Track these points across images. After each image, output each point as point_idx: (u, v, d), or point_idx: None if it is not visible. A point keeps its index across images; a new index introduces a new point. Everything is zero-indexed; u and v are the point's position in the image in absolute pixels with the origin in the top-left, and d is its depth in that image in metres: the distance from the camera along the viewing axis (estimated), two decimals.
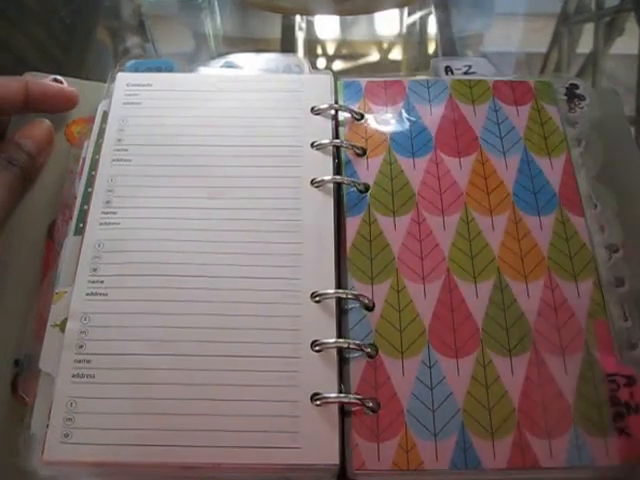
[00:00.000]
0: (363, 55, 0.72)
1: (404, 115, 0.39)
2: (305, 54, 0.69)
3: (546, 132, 0.39)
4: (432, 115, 0.39)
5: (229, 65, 0.43)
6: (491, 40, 0.69)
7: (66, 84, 0.41)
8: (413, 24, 0.74)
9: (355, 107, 0.39)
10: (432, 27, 0.70)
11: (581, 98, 0.40)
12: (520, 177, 0.37)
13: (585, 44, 0.65)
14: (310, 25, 0.69)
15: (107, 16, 0.67)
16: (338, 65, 0.71)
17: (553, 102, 0.40)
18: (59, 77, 0.41)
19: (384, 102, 0.40)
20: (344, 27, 0.72)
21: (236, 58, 0.43)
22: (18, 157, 0.37)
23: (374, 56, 0.72)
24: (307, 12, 0.67)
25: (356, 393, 0.31)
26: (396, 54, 0.73)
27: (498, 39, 0.69)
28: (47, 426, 0.31)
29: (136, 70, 0.41)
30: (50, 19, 0.62)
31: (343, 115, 0.39)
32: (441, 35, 0.67)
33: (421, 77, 0.41)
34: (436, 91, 0.40)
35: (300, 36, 0.69)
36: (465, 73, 0.41)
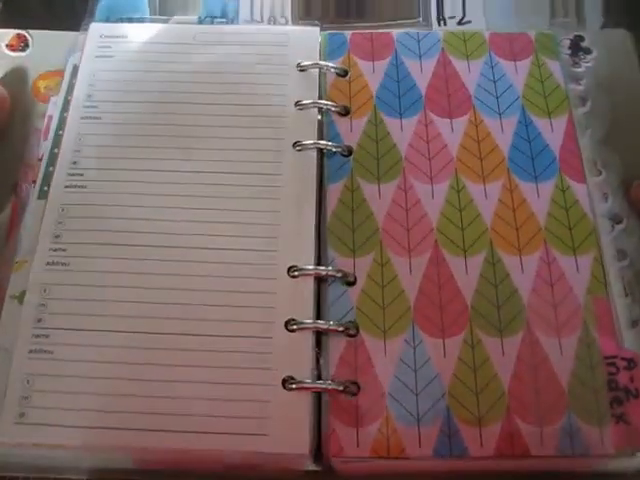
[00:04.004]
0: None
1: (392, 71, 0.37)
2: None
3: (546, 90, 0.36)
4: (422, 71, 0.37)
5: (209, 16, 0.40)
6: None
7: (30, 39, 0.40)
8: None
9: (339, 62, 0.37)
10: None
11: (587, 52, 0.37)
12: (517, 140, 0.35)
13: None
14: None
15: None
16: None
17: (555, 56, 0.37)
18: (22, 32, 0.40)
19: (370, 56, 0.37)
20: None
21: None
22: None
23: None
24: None
25: (334, 375, 0.30)
26: None
27: None
28: (2, 405, 0.29)
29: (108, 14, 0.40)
30: None
31: (327, 71, 0.37)
32: None
33: (411, 30, 0.38)
34: (427, 44, 0.38)
35: None
36: (459, 23, 0.38)
